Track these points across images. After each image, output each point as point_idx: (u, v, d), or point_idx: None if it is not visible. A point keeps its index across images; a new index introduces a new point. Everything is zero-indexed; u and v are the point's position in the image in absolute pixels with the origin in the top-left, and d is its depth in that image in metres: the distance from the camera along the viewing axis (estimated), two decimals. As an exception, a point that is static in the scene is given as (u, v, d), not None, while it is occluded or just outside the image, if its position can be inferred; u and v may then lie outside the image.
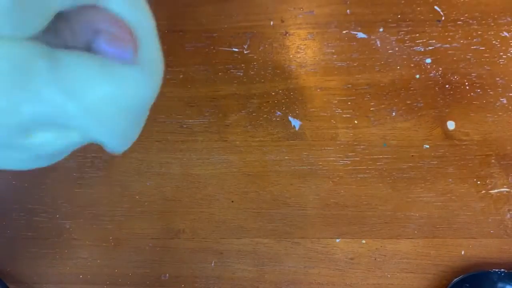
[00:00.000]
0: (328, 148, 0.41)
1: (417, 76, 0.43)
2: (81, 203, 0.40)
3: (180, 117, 0.42)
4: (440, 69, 0.43)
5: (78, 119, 0.19)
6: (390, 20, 0.45)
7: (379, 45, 0.44)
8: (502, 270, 0.36)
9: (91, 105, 0.19)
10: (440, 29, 0.45)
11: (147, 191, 0.37)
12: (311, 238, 0.38)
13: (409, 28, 0.45)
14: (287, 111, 0.42)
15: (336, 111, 0.42)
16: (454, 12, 0.45)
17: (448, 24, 0.45)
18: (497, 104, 0.42)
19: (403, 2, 0.46)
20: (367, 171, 0.40)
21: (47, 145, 0.21)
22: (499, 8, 0.45)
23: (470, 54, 0.44)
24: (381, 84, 0.43)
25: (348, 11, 0.46)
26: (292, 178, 0.40)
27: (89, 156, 0.41)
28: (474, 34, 0.44)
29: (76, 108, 0.19)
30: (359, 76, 0.43)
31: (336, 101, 0.43)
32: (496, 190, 0.39)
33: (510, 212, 0.39)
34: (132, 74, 0.21)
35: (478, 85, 0.43)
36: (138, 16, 0.21)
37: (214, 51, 0.43)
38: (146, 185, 0.38)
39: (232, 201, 0.40)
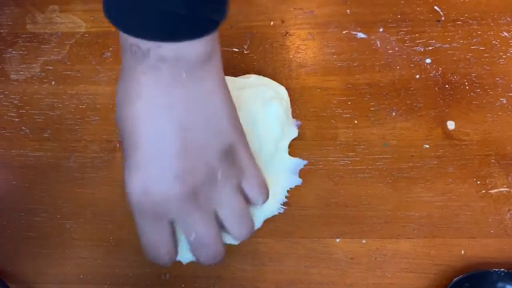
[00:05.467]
0: (328, 148, 0.41)
1: (417, 76, 0.43)
2: (81, 203, 0.40)
3: (180, 117, 0.42)
4: (440, 69, 0.43)
5: None
6: (390, 20, 0.45)
7: (379, 45, 0.44)
8: (502, 269, 0.36)
9: None
10: (440, 29, 0.45)
11: (148, 191, 0.37)
12: (311, 238, 0.38)
13: (409, 28, 0.45)
14: (287, 111, 0.42)
15: (336, 111, 0.42)
16: (454, 12, 0.45)
17: (448, 24, 0.45)
18: (497, 104, 0.42)
19: (403, 2, 0.46)
20: (367, 171, 0.40)
21: None
22: (499, 8, 0.45)
23: (470, 54, 0.44)
24: (381, 84, 0.43)
25: (348, 11, 0.46)
26: (292, 178, 0.40)
27: (89, 156, 0.41)
28: (474, 34, 0.44)
29: None
30: (359, 76, 0.43)
31: (336, 101, 0.43)
32: (496, 190, 0.39)
33: (510, 212, 0.39)
34: None
35: (478, 85, 0.43)
36: None
37: (214, 51, 0.43)
38: (146, 185, 0.38)
39: (232, 201, 0.40)
